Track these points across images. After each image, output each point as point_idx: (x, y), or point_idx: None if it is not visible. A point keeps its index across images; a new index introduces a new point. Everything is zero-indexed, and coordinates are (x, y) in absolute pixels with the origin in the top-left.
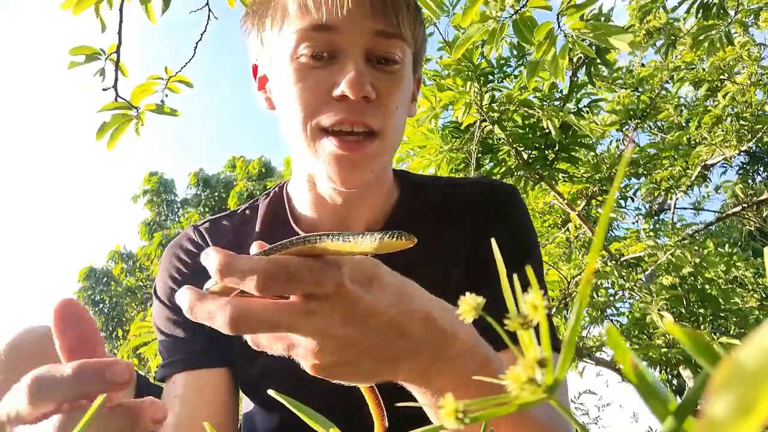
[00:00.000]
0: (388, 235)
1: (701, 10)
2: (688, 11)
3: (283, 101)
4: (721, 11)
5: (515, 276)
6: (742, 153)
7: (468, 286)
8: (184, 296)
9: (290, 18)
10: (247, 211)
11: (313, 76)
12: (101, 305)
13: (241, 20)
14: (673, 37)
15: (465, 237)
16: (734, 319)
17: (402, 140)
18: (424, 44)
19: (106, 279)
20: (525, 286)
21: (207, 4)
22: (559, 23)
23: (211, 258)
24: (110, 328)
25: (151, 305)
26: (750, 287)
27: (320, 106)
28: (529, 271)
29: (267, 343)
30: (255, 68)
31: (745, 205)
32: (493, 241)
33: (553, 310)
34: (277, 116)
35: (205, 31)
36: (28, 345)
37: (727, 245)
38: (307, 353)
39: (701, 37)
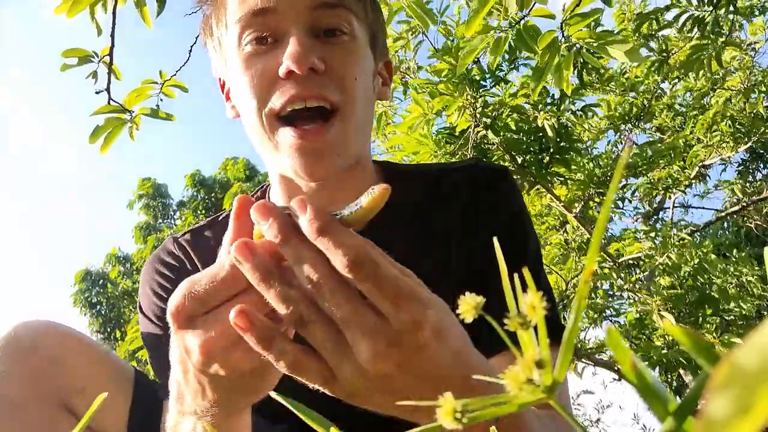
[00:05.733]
0: (365, 195)
1: (696, 26)
2: (682, 27)
3: (237, 96)
4: (716, 28)
5: (504, 267)
6: (741, 151)
7: (462, 278)
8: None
9: (230, 10)
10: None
11: (260, 61)
12: (98, 307)
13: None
14: (665, 54)
15: (456, 226)
16: (738, 322)
17: (372, 123)
18: (380, 23)
19: (102, 281)
20: (521, 278)
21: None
22: (562, 32)
23: (307, 214)
24: (108, 330)
25: None
26: (755, 293)
27: (270, 89)
28: (526, 272)
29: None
30: (220, 81)
31: (746, 203)
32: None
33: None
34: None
35: (200, 34)
36: (23, 339)
37: (735, 249)
38: (331, 379)
39: (693, 57)
